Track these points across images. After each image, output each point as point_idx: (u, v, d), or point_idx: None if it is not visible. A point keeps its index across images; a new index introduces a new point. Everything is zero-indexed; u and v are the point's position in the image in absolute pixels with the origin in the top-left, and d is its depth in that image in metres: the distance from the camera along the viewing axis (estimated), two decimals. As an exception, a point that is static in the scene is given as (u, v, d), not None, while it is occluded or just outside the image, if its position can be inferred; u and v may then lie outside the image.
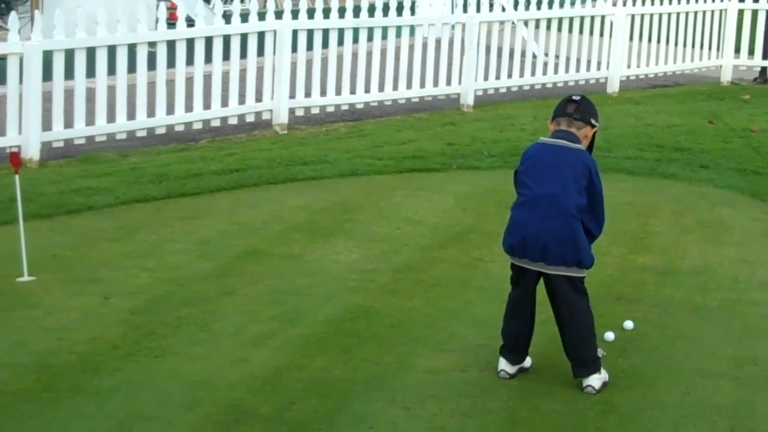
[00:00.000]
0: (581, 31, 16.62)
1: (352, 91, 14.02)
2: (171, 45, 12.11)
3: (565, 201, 5.89)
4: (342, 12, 13.76)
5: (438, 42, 14.97)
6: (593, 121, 6.17)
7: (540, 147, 6.15)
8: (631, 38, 17.15)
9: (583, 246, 5.93)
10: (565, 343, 6.09)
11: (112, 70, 11.56)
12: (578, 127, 6.09)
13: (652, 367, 6.33)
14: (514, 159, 11.53)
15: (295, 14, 13.31)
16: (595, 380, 6.01)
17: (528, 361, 6.24)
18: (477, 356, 6.40)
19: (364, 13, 13.97)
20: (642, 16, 17.21)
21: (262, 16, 13.10)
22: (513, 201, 6.15)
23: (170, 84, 12.13)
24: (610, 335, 6.62)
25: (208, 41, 12.47)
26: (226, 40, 12.65)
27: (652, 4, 17.41)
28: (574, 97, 6.21)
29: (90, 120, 11.56)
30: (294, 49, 13.22)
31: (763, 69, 18.38)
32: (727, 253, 8.65)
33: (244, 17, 12.98)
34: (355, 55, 13.93)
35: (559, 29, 16.39)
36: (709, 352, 6.62)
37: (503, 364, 6.16)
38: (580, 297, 6.03)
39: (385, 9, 14.27)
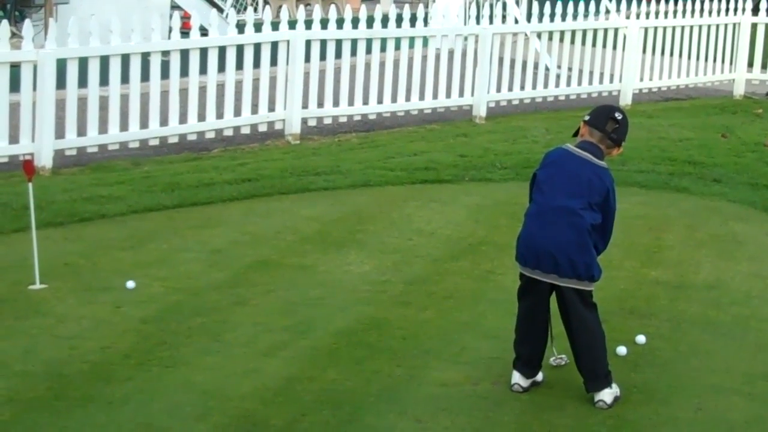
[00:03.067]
0: (594, 44, 16.61)
1: (365, 102, 14.03)
2: (184, 54, 12.13)
3: (581, 216, 5.89)
4: (355, 22, 13.77)
5: (451, 53, 14.96)
6: (623, 143, 6.18)
7: (564, 154, 6.12)
8: (644, 51, 17.13)
9: (594, 260, 5.96)
10: (577, 357, 6.09)
11: (125, 78, 11.58)
12: (608, 145, 6.10)
13: (665, 383, 6.30)
14: (526, 171, 11.54)
15: (308, 24, 13.32)
16: (607, 395, 5.99)
17: (540, 375, 6.22)
18: (489, 369, 6.38)
19: (377, 23, 13.97)
20: (655, 29, 17.19)
21: (275, 26, 13.12)
22: (527, 207, 6.14)
23: (183, 93, 12.15)
24: (622, 350, 6.60)
25: (222, 51, 12.49)
26: (240, 49, 12.66)
27: (666, 17, 17.40)
28: (617, 115, 6.15)
29: (103, 128, 11.58)
30: (307, 59, 13.24)
31: (776, 83, 18.36)
32: (740, 267, 8.62)
33: (258, 27, 12.99)
34: (368, 66, 13.93)
35: (572, 42, 16.38)
36: (722, 367, 6.59)
37: (517, 378, 6.15)
38: (590, 311, 6.03)
39: (399, 20, 14.28)
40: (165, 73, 11.97)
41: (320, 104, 13.59)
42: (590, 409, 5.94)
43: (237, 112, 12.79)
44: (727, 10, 18.11)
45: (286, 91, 13.12)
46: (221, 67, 12.49)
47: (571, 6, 16.17)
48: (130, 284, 7.55)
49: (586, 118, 6.18)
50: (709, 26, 17.89)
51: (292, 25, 13.24)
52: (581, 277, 5.92)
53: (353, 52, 13.80)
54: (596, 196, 5.94)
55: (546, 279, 5.98)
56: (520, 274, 6.12)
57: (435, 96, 14.72)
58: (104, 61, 11.41)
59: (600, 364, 6.03)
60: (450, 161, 11.91)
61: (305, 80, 13.21)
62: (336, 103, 13.73)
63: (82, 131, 11.40)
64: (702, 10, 17.80)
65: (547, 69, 16.33)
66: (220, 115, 12.63)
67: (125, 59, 11.57)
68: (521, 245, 6.06)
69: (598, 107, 6.36)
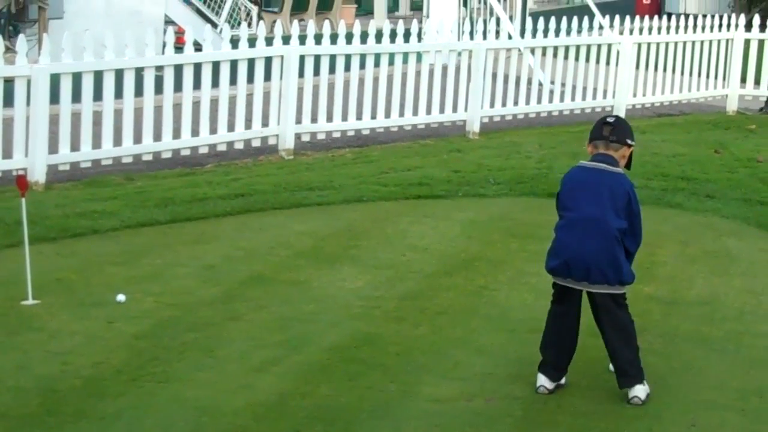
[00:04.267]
0: (588, 60, 16.64)
1: (359, 117, 14.04)
2: (178, 69, 12.14)
3: (607, 224, 6.08)
4: (349, 38, 13.79)
5: (444, 69, 14.99)
6: (629, 141, 6.35)
7: (580, 171, 6.32)
8: (637, 67, 17.16)
9: (623, 265, 6.14)
10: (611, 355, 6.29)
11: (119, 93, 11.58)
12: (615, 148, 6.28)
13: (658, 398, 6.29)
14: (520, 186, 11.60)
15: (302, 39, 13.34)
16: (641, 391, 6.18)
17: (564, 378, 6.35)
18: (482, 385, 6.37)
19: (371, 39, 14.00)
20: (649, 44, 17.22)
21: (269, 41, 13.13)
22: (556, 222, 6.29)
23: (177, 108, 12.15)
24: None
25: (216, 66, 12.50)
26: (234, 64, 12.68)
27: (659, 33, 17.44)
28: (608, 119, 6.40)
29: (96, 143, 11.58)
30: (301, 74, 13.24)
31: (769, 99, 18.38)
32: (734, 283, 8.61)
33: (252, 42, 13.01)
34: (361, 81, 13.95)
35: (566, 57, 16.41)
36: (715, 383, 6.58)
37: (543, 380, 6.27)
38: (622, 311, 6.25)
39: (393, 35, 14.30)
40: (159, 89, 11.98)
41: (314, 119, 13.60)
42: (583, 424, 5.93)
43: (231, 128, 12.80)
44: (720, 26, 18.15)
45: (280, 107, 13.13)
46: (215, 83, 12.49)
47: (564, 22, 16.17)
48: (120, 297, 7.54)
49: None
50: (702, 42, 17.93)
51: (286, 40, 13.26)
52: (611, 282, 6.12)
53: (347, 68, 13.81)
54: (619, 201, 6.14)
55: (577, 287, 6.17)
56: (553, 283, 6.32)
57: (429, 111, 14.73)
58: (98, 76, 11.41)
59: (633, 361, 6.22)
60: (444, 177, 11.92)
61: (299, 95, 13.22)
62: (330, 119, 13.75)
63: (75, 146, 11.40)
64: (695, 26, 17.83)
65: (540, 84, 16.35)
66: (213, 130, 12.63)
67: (119, 74, 11.57)
68: (551, 256, 6.24)
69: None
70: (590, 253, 6.07)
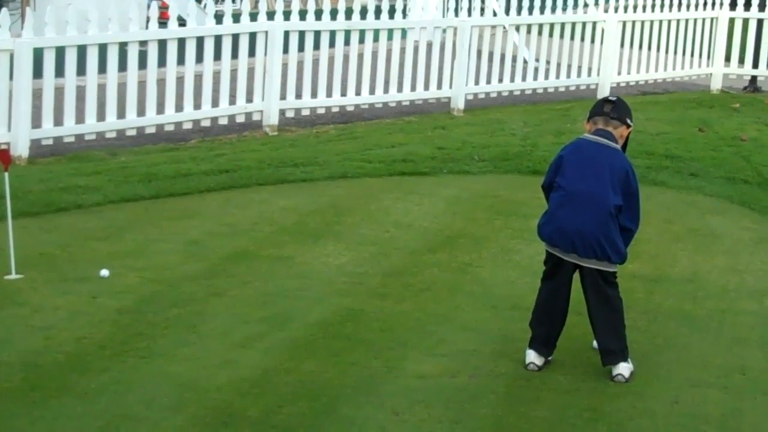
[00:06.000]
0: (572, 37, 16.63)
1: (343, 94, 14.00)
2: (162, 44, 12.08)
3: (605, 199, 6.13)
4: (334, 14, 13.73)
5: (429, 45, 14.96)
6: (629, 121, 6.42)
7: (581, 143, 6.37)
8: (622, 45, 17.15)
9: (615, 243, 6.17)
10: (595, 331, 6.33)
11: (102, 68, 11.53)
12: (614, 126, 6.35)
13: (641, 376, 6.31)
14: (504, 164, 11.61)
15: (286, 15, 13.30)
16: (625, 369, 6.23)
17: (551, 355, 6.41)
18: (466, 362, 6.38)
19: (356, 15, 13.95)
20: (633, 23, 17.22)
21: (253, 16, 13.09)
22: (552, 193, 6.32)
23: (161, 83, 12.10)
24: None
25: (200, 41, 12.44)
26: (218, 40, 12.62)
27: (644, 11, 17.44)
28: (610, 98, 6.49)
29: (80, 118, 11.52)
30: (285, 50, 13.19)
31: (753, 78, 18.39)
32: (717, 261, 8.64)
33: (236, 18, 12.95)
34: (346, 57, 13.91)
35: (551, 35, 16.39)
36: (698, 360, 6.61)
37: (532, 357, 6.32)
38: (611, 288, 6.27)
39: (377, 12, 14.26)
40: (143, 64, 11.92)
41: (298, 95, 13.57)
42: (567, 401, 5.95)
43: (215, 103, 12.75)
44: (705, 4, 18.15)
45: (264, 82, 13.09)
46: (199, 58, 12.44)
47: (549, -1, 16.18)
48: (104, 272, 7.53)
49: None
50: (687, 20, 17.93)
51: (271, 16, 13.21)
52: (599, 257, 6.16)
53: (332, 44, 13.76)
54: (616, 179, 6.18)
55: (567, 258, 6.20)
56: (546, 257, 6.36)
57: (413, 88, 14.71)
58: (81, 50, 11.34)
59: (617, 338, 6.26)
60: (428, 153, 11.91)
61: (283, 71, 13.17)
62: (314, 95, 13.71)
63: (58, 121, 11.34)
64: (680, 4, 17.83)
65: (525, 62, 16.34)
66: (197, 105, 12.58)
67: (102, 49, 11.51)
68: (548, 226, 6.28)
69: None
70: (580, 224, 6.11)
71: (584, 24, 16.80)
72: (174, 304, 7.11)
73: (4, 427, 5.38)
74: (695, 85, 18.44)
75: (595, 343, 6.49)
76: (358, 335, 6.72)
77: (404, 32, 14.90)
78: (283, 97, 13.33)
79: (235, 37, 12.82)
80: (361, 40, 14.08)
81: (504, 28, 16.30)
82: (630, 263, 8.32)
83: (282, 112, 13.37)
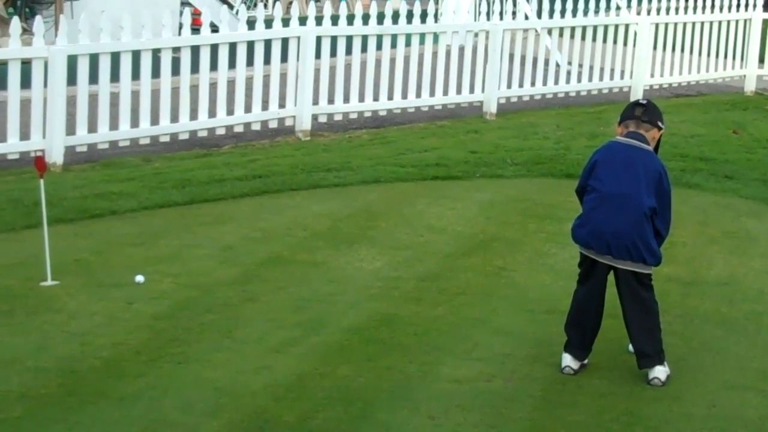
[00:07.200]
0: (605, 40, 16.58)
1: (375, 98, 14.01)
2: (195, 50, 12.12)
3: (639, 200, 6.13)
4: (366, 19, 13.75)
5: (461, 49, 14.94)
6: (660, 124, 6.43)
7: (614, 145, 6.38)
8: (655, 47, 17.08)
9: (649, 244, 6.17)
10: (631, 335, 6.32)
11: (136, 75, 11.57)
12: (646, 129, 6.35)
13: (678, 379, 6.28)
14: (537, 167, 11.58)
15: (319, 20, 13.31)
16: (661, 372, 6.20)
17: (587, 358, 6.40)
18: (501, 365, 6.37)
19: (387, 20, 13.95)
20: (666, 25, 17.15)
21: (286, 22, 13.10)
22: (584, 194, 6.34)
23: (194, 89, 12.14)
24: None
25: (232, 47, 12.48)
26: (250, 46, 12.65)
27: (677, 13, 17.37)
28: (641, 101, 6.55)
29: (114, 125, 11.58)
30: (317, 55, 13.22)
31: (788, 79, 18.31)
32: (753, 264, 8.59)
33: (268, 23, 12.98)
34: (378, 62, 13.91)
35: (583, 38, 16.34)
36: (734, 364, 6.57)
37: (568, 360, 6.31)
38: (646, 291, 6.27)
39: (409, 16, 14.27)
40: (176, 70, 11.96)
41: (330, 101, 13.58)
42: (603, 405, 5.92)
43: (247, 109, 12.78)
44: (738, 5, 18.06)
45: (297, 88, 13.11)
46: (232, 64, 12.48)
47: (581, 2, 16.11)
48: (139, 278, 7.56)
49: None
50: (720, 22, 17.84)
51: (303, 21, 13.23)
52: (634, 259, 6.16)
53: (363, 49, 13.77)
54: (651, 180, 6.18)
55: (601, 259, 6.20)
56: (581, 260, 6.35)
57: (445, 92, 14.70)
58: (115, 57, 11.40)
59: (653, 342, 6.24)
60: (461, 158, 11.89)
61: (315, 77, 13.19)
62: (346, 100, 13.72)
63: (92, 128, 11.40)
64: (713, 5, 17.75)
65: (557, 65, 16.30)
66: (230, 111, 12.62)
67: (136, 56, 11.56)
68: (582, 228, 6.28)
69: None
70: (619, 227, 6.10)
71: (617, 27, 16.72)
72: (209, 309, 7.12)
73: (42, 433, 5.41)
74: (729, 87, 18.34)
75: (630, 347, 6.46)
76: (392, 340, 6.72)
77: (436, 36, 14.89)
78: (315, 102, 13.34)
79: (268, 43, 12.85)
80: (393, 45, 14.07)
81: (536, 31, 16.26)
82: (665, 266, 8.29)
83: (314, 117, 13.38)
